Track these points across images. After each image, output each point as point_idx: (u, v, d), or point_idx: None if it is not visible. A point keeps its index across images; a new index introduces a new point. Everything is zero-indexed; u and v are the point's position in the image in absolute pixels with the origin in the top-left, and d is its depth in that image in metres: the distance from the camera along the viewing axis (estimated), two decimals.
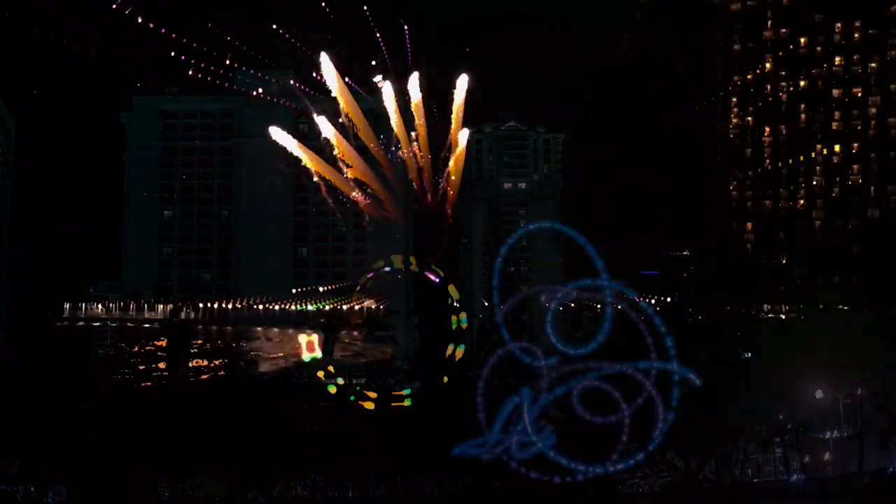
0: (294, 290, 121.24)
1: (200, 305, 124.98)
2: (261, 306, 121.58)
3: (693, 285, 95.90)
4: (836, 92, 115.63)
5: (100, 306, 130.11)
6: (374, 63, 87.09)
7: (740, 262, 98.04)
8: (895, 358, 28.26)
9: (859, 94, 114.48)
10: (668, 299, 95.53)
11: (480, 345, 34.34)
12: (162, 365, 45.16)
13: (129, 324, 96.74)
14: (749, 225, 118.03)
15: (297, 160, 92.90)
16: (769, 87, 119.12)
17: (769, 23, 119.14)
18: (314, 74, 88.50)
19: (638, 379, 16.05)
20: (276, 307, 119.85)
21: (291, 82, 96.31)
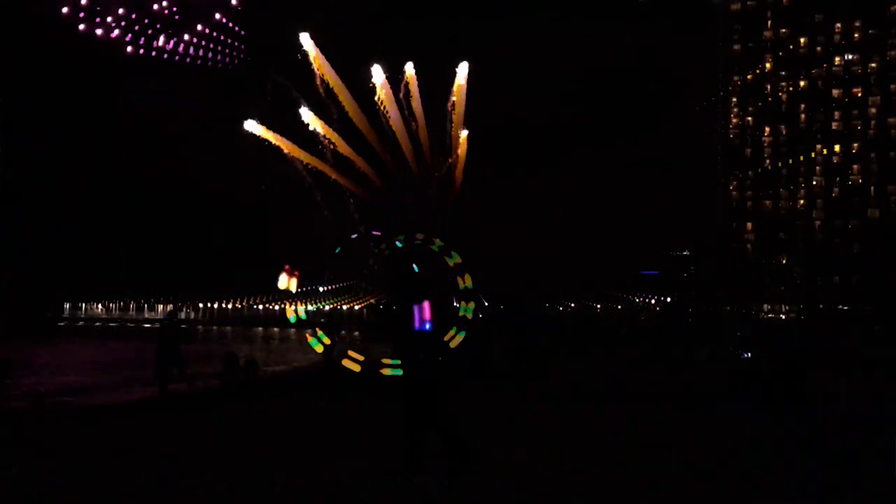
0: (294, 291, 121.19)
1: (200, 305, 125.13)
2: (261, 306, 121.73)
3: (693, 285, 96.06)
4: (836, 92, 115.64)
5: (100, 306, 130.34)
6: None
7: (740, 262, 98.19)
8: None
9: (859, 94, 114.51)
10: (668, 299, 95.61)
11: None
12: None
13: (128, 324, 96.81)
14: (749, 225, 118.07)
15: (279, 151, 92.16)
16: (769, 87, 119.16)
17: (769, 23, 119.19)
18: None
19: None
20: (277, 307, 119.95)
21: None
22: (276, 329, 79.50)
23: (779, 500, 6.17)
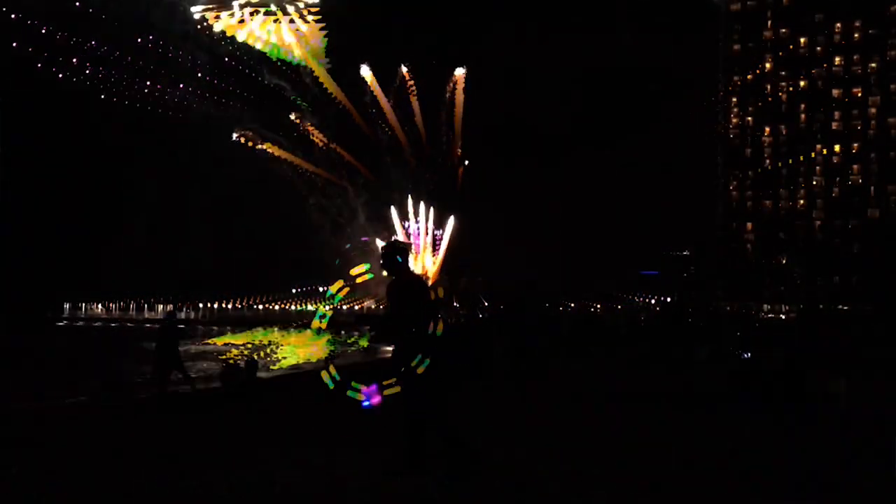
0: (294, 290, 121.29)
1: (200, 305, 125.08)
2: (261, 306, 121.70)
3: (693, 285, 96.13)
4: (836, 92, 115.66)
5: (100, 306, 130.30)
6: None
7: (740, 262, 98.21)
8: None
9: (859, 94, 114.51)
10: (668, 299, 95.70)
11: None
12: None
13: (128, 324, 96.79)
14: (749, 225, 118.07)
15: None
16: (769, 87, 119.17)
17: (769, 23, 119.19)
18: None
19: None
20: (276, 307, 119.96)
21: None
22: (275, 329, 79.42)
23: (779, 500, 6.17)
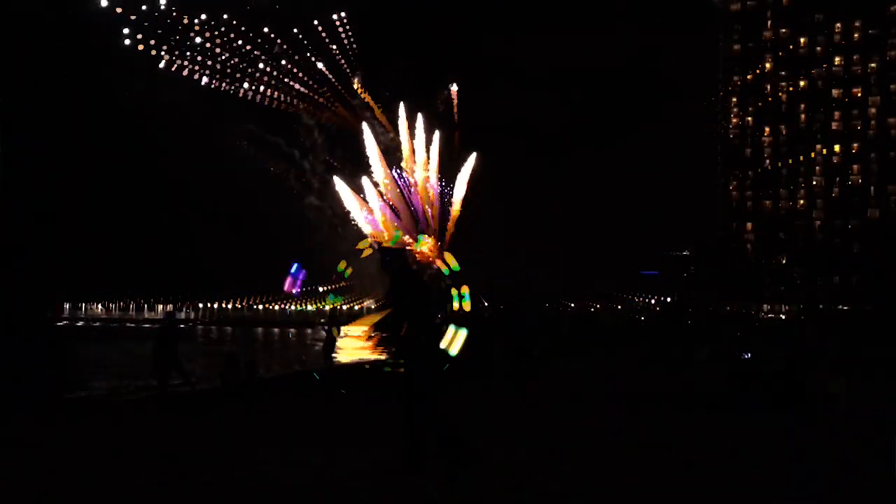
0: (294, 290, 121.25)
1: (200, 305, 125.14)
2: (261, 306, 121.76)
3: (693, 285, 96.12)
4: (836, 92, 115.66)
5: (99, 306, 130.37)
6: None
7: (740, 262, 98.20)
8: None
9: (859, 94, 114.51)
10: (668, 299, 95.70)
11: None
12: None
13: (128, 324, 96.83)
14: (749, 225, 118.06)
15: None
16: (769, 87, 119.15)
17: (769, 23, 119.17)
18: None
19: None
20: (276, 307, 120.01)
21: None
22: (275, 329, 79.50)
23: (779, 500, 6.17)
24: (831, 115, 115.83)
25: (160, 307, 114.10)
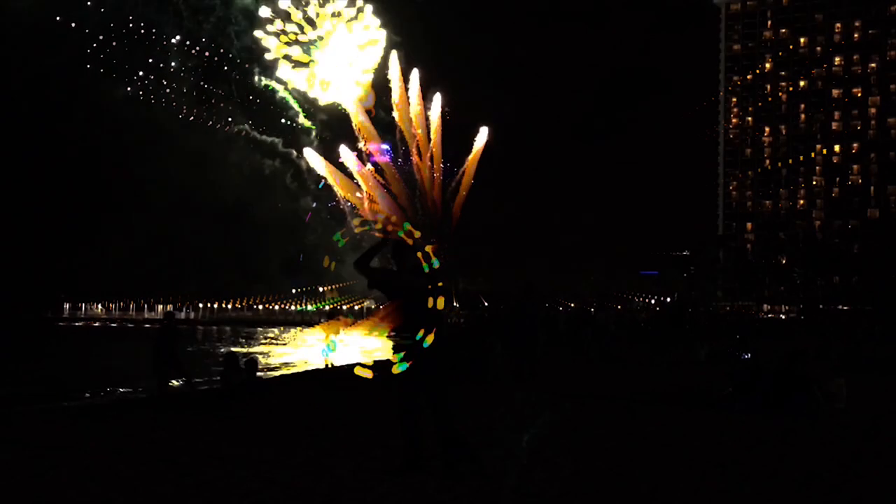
0: (294, 290, 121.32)
1: (200, 305, 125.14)
2: (261, 306, 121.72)
3: (693, 285, 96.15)
4: (836, 92, 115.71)
5: (99, 306, 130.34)
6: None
7: (740, 262, 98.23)
8: None
9: (859, 94, 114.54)
10: (668, 299, 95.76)
11: None
12: None
13: (128, 324, 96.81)
14: (749, 225, 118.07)
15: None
16: (769, 87, 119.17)
17: (769, 23, 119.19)
18: None
19: None
20: (277, 307, 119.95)
21: None
22: (275, 329, 79.49)
23: (779, 500, 6.17)
24: (831, 115, 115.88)
25: (160, 307, 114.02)
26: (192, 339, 48.70)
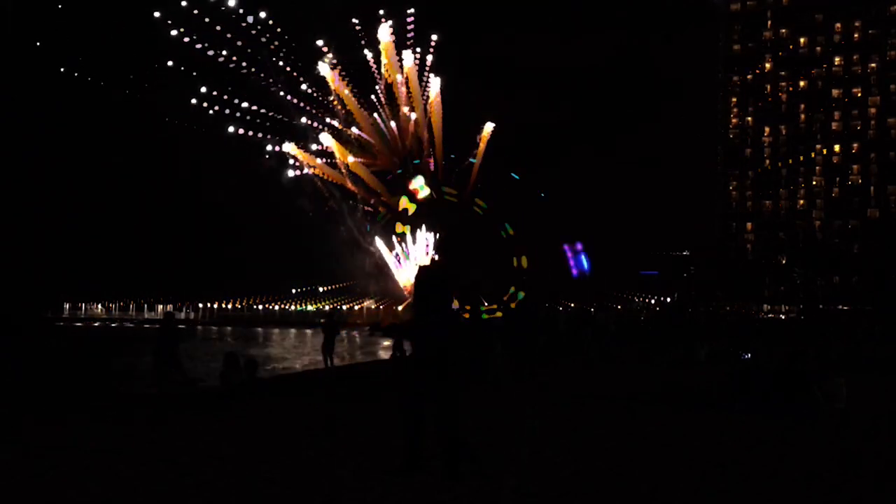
0: (294, 290, 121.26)
1: (200, 305, 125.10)
2: (261, 306, 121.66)
3: (693, 285, 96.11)
4: (836, 92, 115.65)
5: (99, 306, 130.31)
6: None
7: (740, 262, 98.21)
8: None
9: (859, 94, 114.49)
10: (668, 299, 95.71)
11: None
12: None
13: (128, 324, 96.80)
14: (749, 225, 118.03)
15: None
16: (769, 87, 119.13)
17: (769, 23, 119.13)
18: None
19: None
20: (276, 307, 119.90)
21: None
22: (276, 330, 79.48)
23: (779, 500, 6.17)
24: (831, 115, 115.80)
25: (160, 307, 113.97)
26: (192, 339, 48.69)
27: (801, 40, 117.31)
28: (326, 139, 78.89)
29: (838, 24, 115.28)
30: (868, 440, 8.96)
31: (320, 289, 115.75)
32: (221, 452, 7.80)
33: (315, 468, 7.01)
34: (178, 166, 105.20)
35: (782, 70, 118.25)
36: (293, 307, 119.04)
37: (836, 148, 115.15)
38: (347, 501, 5.96)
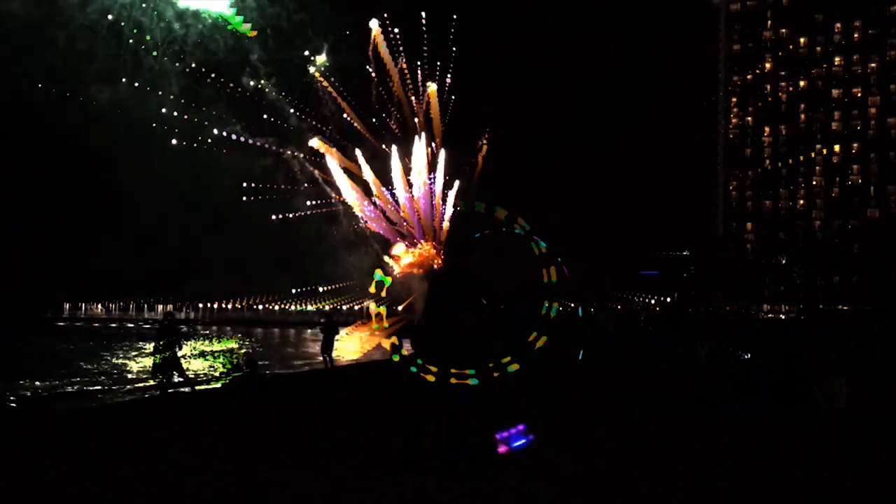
0: (294, 290, 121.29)
1: (200, 305, 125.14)
2: (260, 306, 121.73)
3: (693, 285, 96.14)
4: (836, 92, 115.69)
5: (99, 306, 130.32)
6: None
7: (740, 262, 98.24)
8: None
9: (859, 94, 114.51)
10: (668, 299, 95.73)
11: None
12: None
13: (128, 324, 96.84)
14: (749, 225, 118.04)
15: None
16: (769, 87, 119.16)
17: (769, 23, 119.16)
18: None
19: None
20: (276, 307, 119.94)
21: None
22: (276, 330, 79.50)
23: (779, 500, 6.17)
24: (831, 115, 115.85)
25: (160, 307, 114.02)
26: (192, 339, 48.72)
27: (801, 40, 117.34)
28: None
29: (838, 24, 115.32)
30: (868, 440, 8.96)
31: (320, 289, 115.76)
32: (221, 452, 7.80)
33: (315, 468, 7.01)
34: (173, 167, 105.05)
35: (782, 70, 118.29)
36: (293, 307, 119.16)
37: (836, 148, 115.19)
38: (347, 501, 5.96)
